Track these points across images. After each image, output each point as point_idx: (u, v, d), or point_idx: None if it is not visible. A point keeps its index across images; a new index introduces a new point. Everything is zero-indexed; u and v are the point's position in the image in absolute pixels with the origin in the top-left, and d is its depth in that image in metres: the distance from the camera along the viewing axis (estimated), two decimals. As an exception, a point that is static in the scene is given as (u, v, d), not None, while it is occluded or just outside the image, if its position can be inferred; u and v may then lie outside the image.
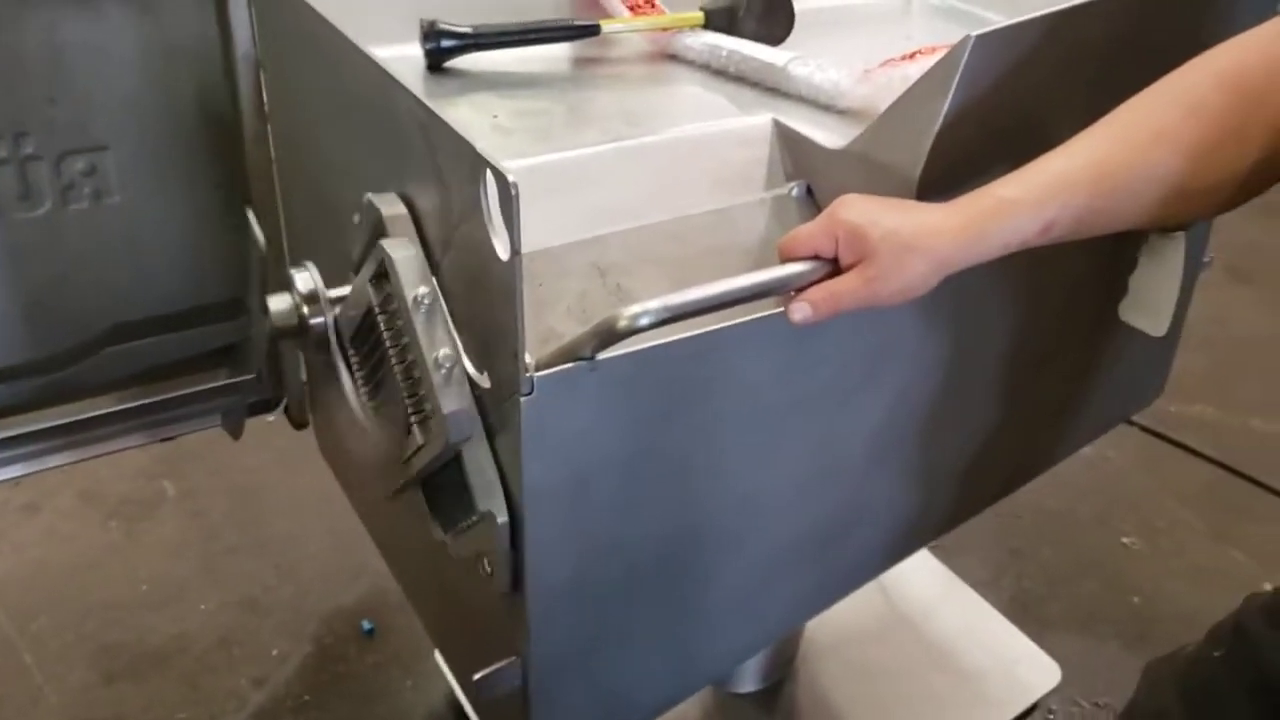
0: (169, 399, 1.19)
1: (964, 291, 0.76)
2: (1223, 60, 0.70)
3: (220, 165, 1.09)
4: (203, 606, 1.67)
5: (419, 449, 0.72)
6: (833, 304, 0.68)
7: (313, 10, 0.81)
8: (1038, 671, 1.48)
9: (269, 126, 1.07)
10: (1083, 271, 0.99)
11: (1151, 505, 1.98)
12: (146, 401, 1.18)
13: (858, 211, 0.68)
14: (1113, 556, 1.87)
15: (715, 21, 1.04)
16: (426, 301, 0.67)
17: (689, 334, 0.68)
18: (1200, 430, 2.15)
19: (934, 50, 0.93)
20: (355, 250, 0.78)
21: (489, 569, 0.72)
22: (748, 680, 1.41)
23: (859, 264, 0.67)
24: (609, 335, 0.63)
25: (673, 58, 1.04)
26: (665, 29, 1.04)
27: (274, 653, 1.60)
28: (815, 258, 0.69)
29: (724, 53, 0.99)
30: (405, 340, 0.71)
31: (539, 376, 0.63)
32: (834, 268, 0.69)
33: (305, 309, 0.82)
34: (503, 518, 0.68)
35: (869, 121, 0.78)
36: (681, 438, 0.74)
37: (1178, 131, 0.69)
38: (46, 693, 1.52)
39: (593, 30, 1.00)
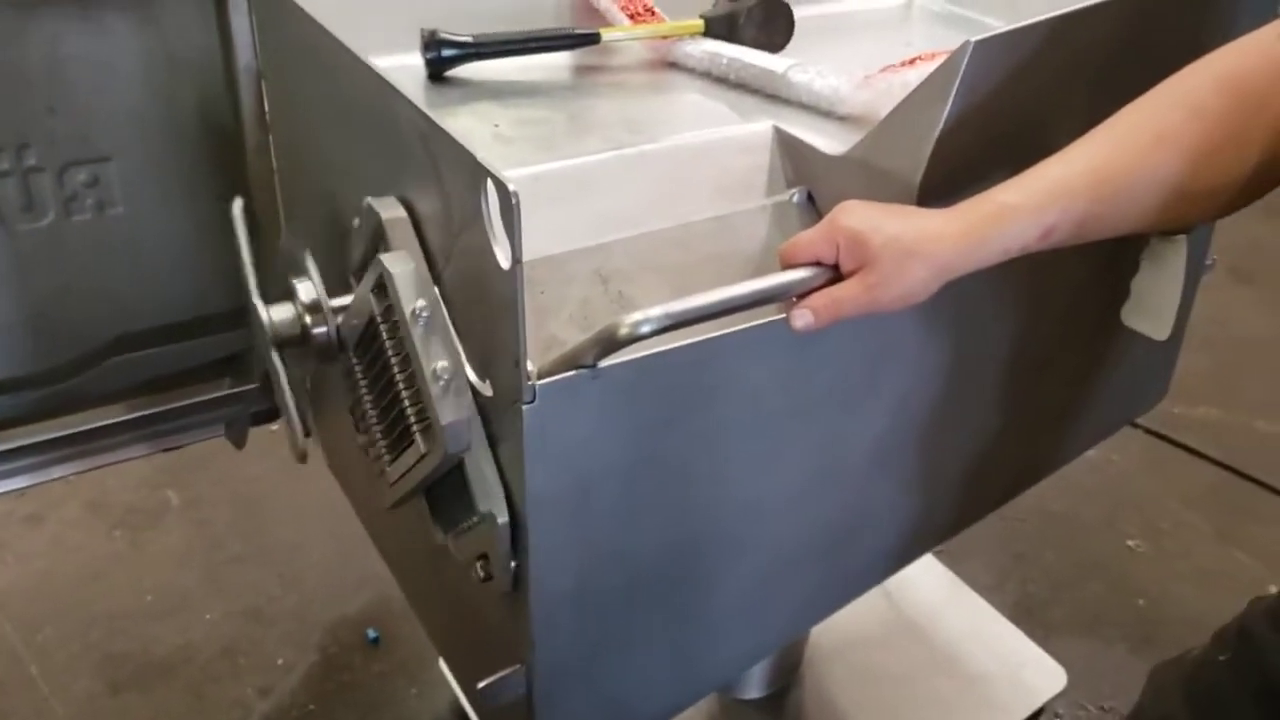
0: (172, 409, 1.19)
1: (965, 297, 0.76)
2: (1223, 63, 0.71)
3: (222, 175, 1.09)
4: (208, 616, 1.67)
5: (421, 458, 0.72)
6: (834, 311, 0.68)
7: (314, 21, 0.81)
8: (1043, 676, 1.47)
9: (271, 136, 1.07)
10: (1084, 276, 0.99)
11: (1156, 507, 1.98)
12: (150, 412, 1.18)
13: (858, 218, 0.68)
14: (1117, 559, 1.87)
15: (715, 29, 1.04)
16: (425, 315, 0.67)
17: (690, 341, 0.68)
18: (1204, 432, 2.15)
19: (934, 56, 0.93)
20: (355, 254, 0.78)
21: (490, 571, 0.72)
22: (753, 686, 1.41)
23: (860, 270, 0.67)
24: (611, 343, 0.63)
25: (673, 65, 1.04)
26: (665, 37, 1.04)
27: (279, 662, 1.60)
28: (816, 264, 0.69)
29: (724, 60, 1.00)
30: (406, 350, 0.71)
31: (541, 384, 0.63)
32: (835, 274, 0.69)
33: (308, 318, 0.82)
34: (503, 518, 0.68)
35: (869, 128, 0.78)
36: (684, 445, 0.74)
37: (1178, 135, 0.69)
38: (52, 704, 1.52)
39: (593, 39, 1.01)
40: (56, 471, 1.17)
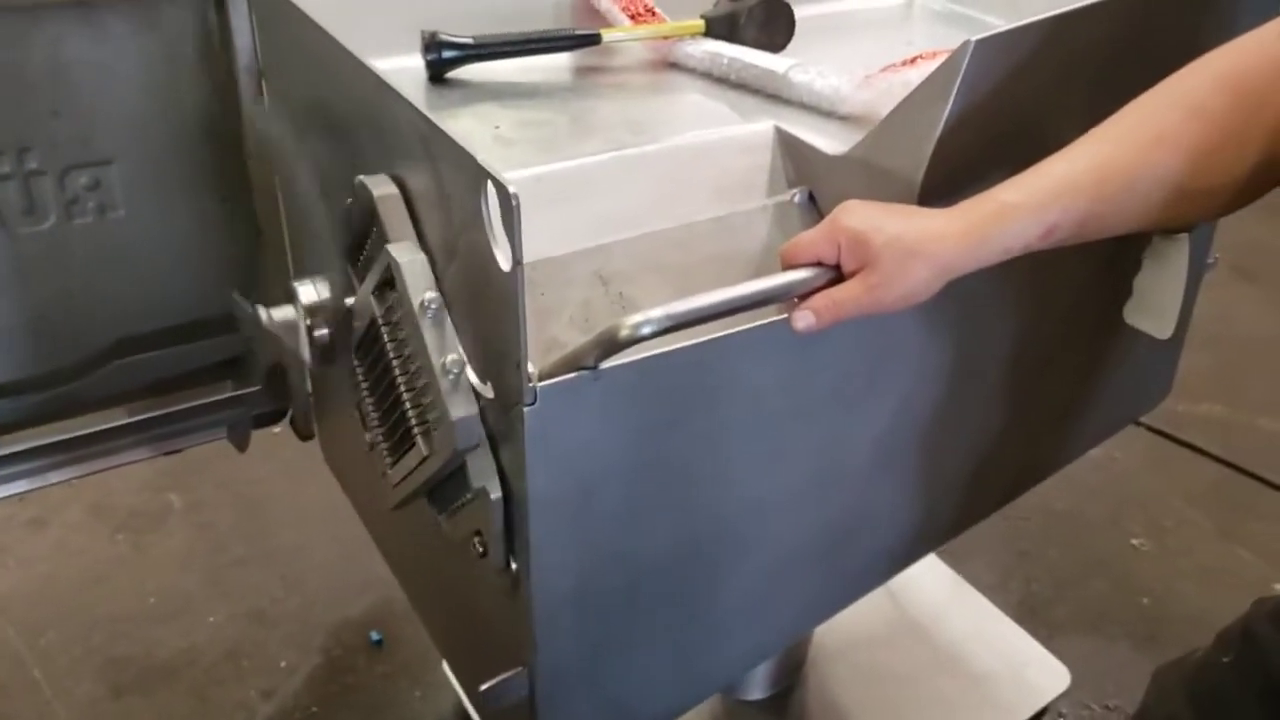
0: (174, 412, 1.19)
1: (967, 296, 0.76)
2: (1223, 62, 0.70)
3: (224, 178, 1.09)
4: (211, 619, 1.67)
5: (424, 460, 0.72)
6: (836, 311, 0.68)
7: (314, 23, 0.81)
8: (1047, 675, 1.47)
9: (271, 138, 1.07)
10: (1086, 275, 0.99)
11: (1159, 505, 1.98)
12: (152, 415, 1.18)
13: (860, 218, 0.68)
14: (1121, 557, 1.86)
15: (716, 29, 1.04)
16: (433, 307, 0.67)
17: (692, 342, 0.68)
18: (1208, 430, 2.15)
19: (934, 55, 0.93)
20: (348, 236, 0.77)
21: (482, 548, 0.71)
22: (756, 687, 1.41)
23: (861, 271, 0.67)
24: (612, 344, 0.63)
25: (674, 66, 1.04)
26: (666, 37, 1.04)
27: (282, 664, 1.60)
28: (818, 264, 0.69)
29: (725, 60, 1.00)
30: (409, 349, 0.71)
31: (542, 386, 0.63)
32: (836, 274, 0.69)
33: (308, 321, 0.82)
34: (496, 493, 0.68)
35: (870, 127, 0.78)
36: (686, 446, 0.74)
37: (1179, 134, 0.69)
38: (55, 707, 1.52)
39: (594, 39, 1.01)
40: (58, 475, 1.17)
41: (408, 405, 0.73)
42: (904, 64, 0.93)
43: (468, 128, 0.88)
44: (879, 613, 1.51)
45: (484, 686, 0.75)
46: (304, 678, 1.58)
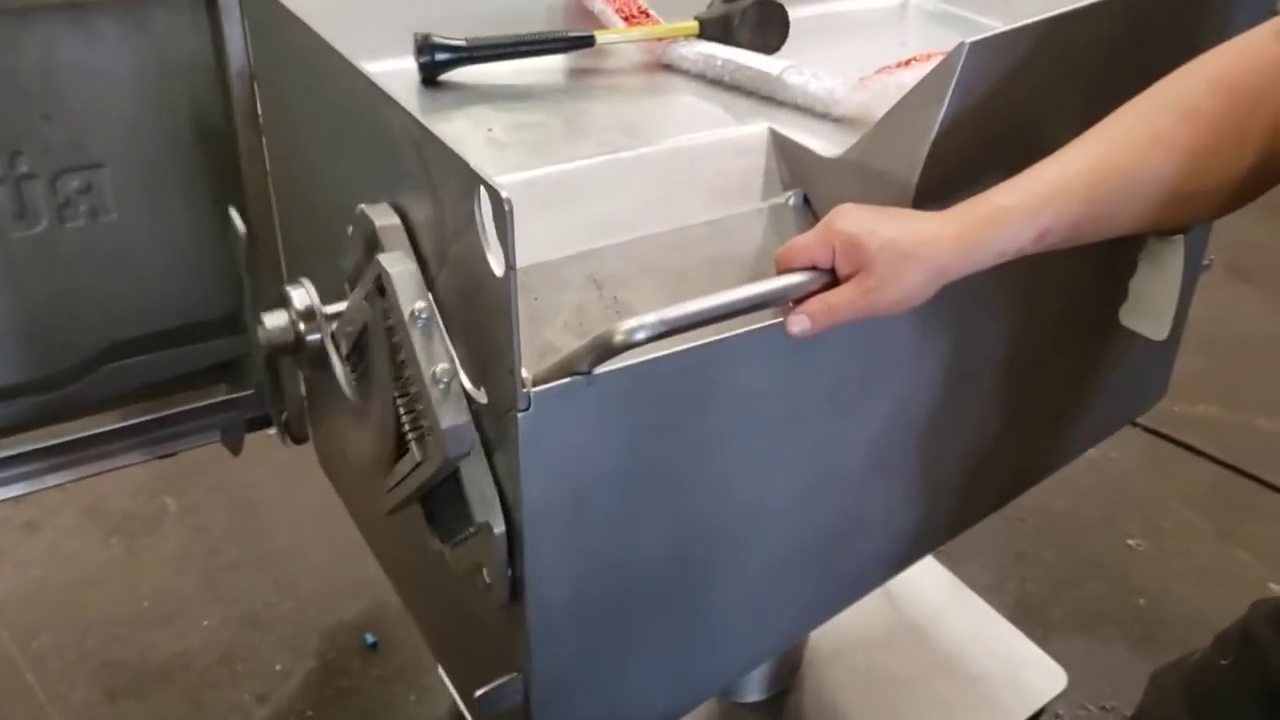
0: (168, 415, 1.18)
1: (963, 299, 0.76)
2: (1217, 64, 0.70)
3: (216, 181, 1.08)
4: (205, 622, 1.67)
5: (417, 465, 0.72)
6: (831, 316, 0.67)
7: (306, 26, 0.81)
8: (1044, 676, 1.47)
9: (264, 141, 1.06)
10: (1082, 277, 0.98)
11: (1156, 506, 1.98)
12: (146, 418, 1.17)
13: (854, 221, 0.68)
14: (1118, 558, 1.86)
15: (710, 31, 1.04)
16: (424, 316, 0.67)
17: (686, 347, 0.68)
18: (1204, 430, 2.15)
19: (929, 57, 0.93)
20: (349, 262, 0.78)
21: (487, 580, 0.71)
22: (752, 689, 1.40)
23: (857, 274, 0.67)
24: (606, 350, 0.62)
25: (668, 68, 1.04)
26: (660, 39, 1.04)
27: (277, 668, 1.60)
28: (812, 268, 0.69)
29: (719, 62, 0.99)
30: (402, 356, 0.71)
31: (536, 392, 0.63)
32: (831, 278, 0.69)
33: (302, 325, 0.81)
34: (500, 528, 0.68)
35: (865, 129, 0.78)
36: (681, 451, 0.74)
37: (1173, 136, 0.69)
38: (49, 711, 1.51)
39: (587, 41, 1.00)
40: (52, 479, 1.17)
41: (401, 410, 0.72)
42: (899, 66, 0.93)
43: (460, 130, 0.87)
44: (876, 614, 1.51)
45: (479, 692, 0.75)
46: (298, 681, 1.58)
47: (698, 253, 0.82)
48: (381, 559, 1.11)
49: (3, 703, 1.52)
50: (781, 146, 0.87)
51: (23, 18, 0.94)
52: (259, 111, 1.05)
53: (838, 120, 0.91)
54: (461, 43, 0.95)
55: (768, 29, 1.05)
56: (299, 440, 1.24)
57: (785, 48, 1.06)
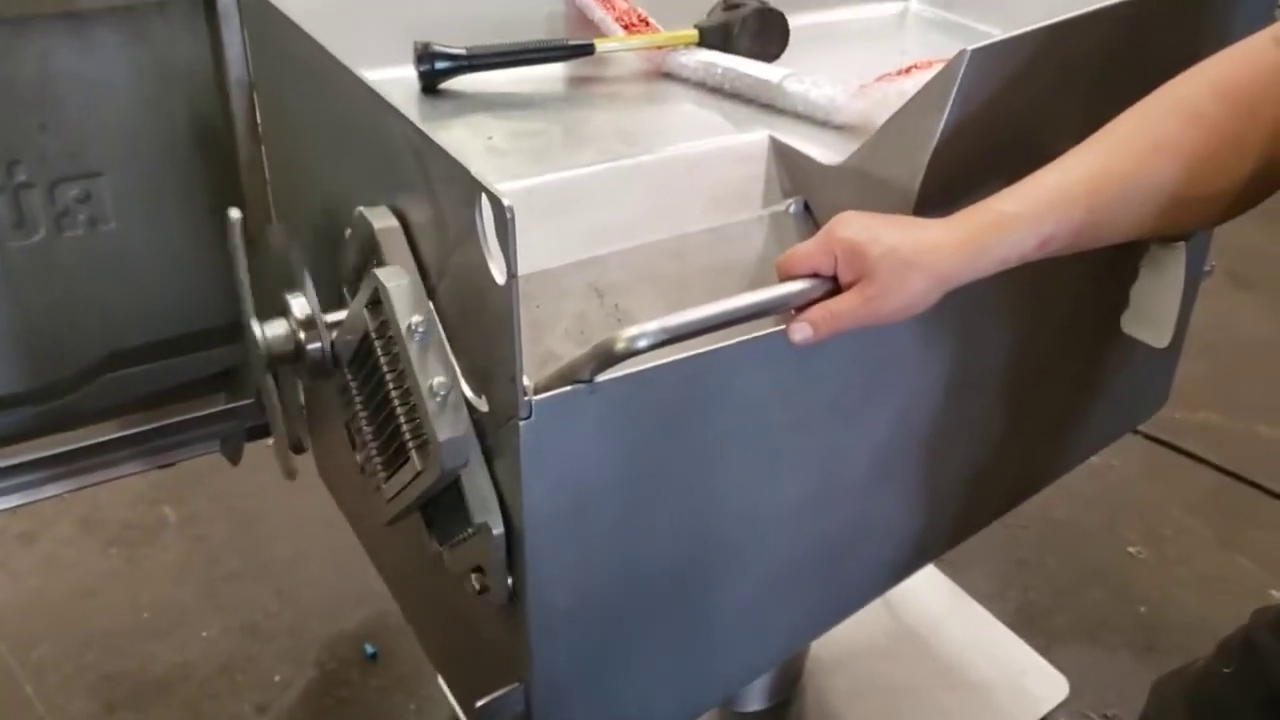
0: (167, 425, 1.18)
1: (965, 307, 0.75)
2: (1218, 70, 0.70)
3: (215, 190, 1.08)
4: (204, 633, 1.66)
5: (416, 475, 0.72)
6: (833, 323, 0.67)
7: (306, 34, 0.80)
8: (1046, 684, 1.46)
9: (263, 150, 1.06)
10: (1084, 284, 0.98)
11: (1157, 513, 1.97)
12: (145, 428, 1.17)
13: (856, 228, 0.68)
14: (1119, 566, 1.86)
15: (710, 39, 1.04)
16: (421, 330, 0.67)
17: (688, 355, 0.67)
18: (1205, 437, 2.14)
19: (930, 64, 0.92)
20: (348, 265, 0.77)
21: (485, 582, 0.71)
22: (754, 699, 1.40)
23: (858, 282, 0.67)
24: (607, 357, 0.62)
25: (668, 76, 1.04)
26: (660, 47, 1.04)
27: (276, 678, 1.59)
28: (814, 276, 0.69)
29: (719, 70, 0.99)
30: (402, 366, 0.70)
31: (537, 400, 0.62)
32: (833, 286, 0.68)
33: (302, 334, 0.81)
34: (498, 529, 0.68)
35: (865, 137, 0.78)
36: (682, 459, 0.73)
37: (1175, 142, 0.69)
38: (48, 723, 1.51)
39: (587, 50, 1.00)
40: (51, 489, 1.16)
41: (401, 420, 0.72)
42: (899, 73, 0.93)
43: (460, 139, 0.87)
44: (877, 624, 1.50)
45: (480, 703, 0.74)
46: (298, 692, 1.57)
47: (698, 260, 0.82)
48: (381, 569, 1.10)
49: (2, 715, 1.52)
50: (782, 154, 0.87)
51: (20, 27, 0.94)
52: (258, 120, 1.05)
53: (838, 128, 0.91)
54: (461, 51, 0.95)
55: (767, 37, 1.05)
56: (299, 450, 1.24)
57: (785, 56, 1.06)
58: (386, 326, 0.70)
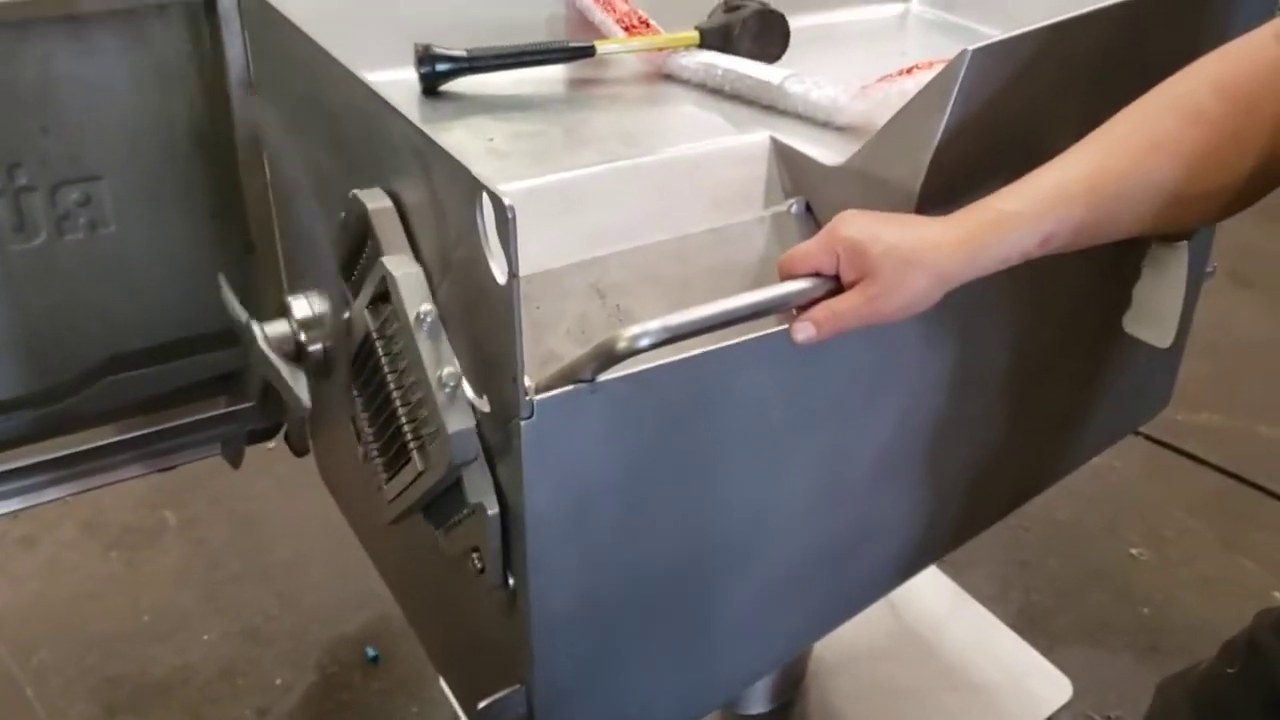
0: (168, 428, 1.18)
1: (966, 306, 0.75)
2: (1217, 67, 0.70)
3: (216, 193, 1.08)
4: (205, 637, 1.66)
5: (420, 474, 0.72)
6: (836, 323, 0.67)
7: (307, 36, 0.80)
8: (1048, 686, 1.46)
9: (264, 153, 1.06)
10: (1086, 284, 0.98)
11: (1159, 515, 1.97)
12: (146, 431, 1.17)
13: (857, 227, 0.68)
14: (1121, 567, 1.86)
15: (710, 40, 1.04)
16: (429, 319, 0.67)
17: (690, 354, 0.67)
18: (1206, 438, 2.14)
19: (930, 65, 0.92)
20: (341, 250, 0.77)
21: (480, 564, 0.70)
22: (756, 701, 1.40)
23: (861, 281, 0.67)
24: (609, 357, 0.62)
25: (668, 77, 1.04)
26: (660, 49, 1.04)
27: (278, 682, 1.59)
28: (816, 275, 0.69)
29: (720, 71, 0.99)
30: (405, 363, 0.70)
31: (539, 400, 0.62)
32: (835, 285, 0.68)
33: (303, 335, 0.81)
34: (493, 509, 0.67)
35: (867, 137, 0.78)
36: (684, 459, 0.73)
37: (1175, 139, 0.68)
38: (49, 727, 1.51)
39: (588, 51, 1.00)
40: (51, 493, 1.16)
41: (403, 419, 0.72)
42: (900, 74, 0.93)
43: (461, 140, 0.87)
44: (879, 625, 1.50)
45: (482, 704, 0.74)
46: (300, 695, 1.57)
47: (700, 261, 0.81)
48: (383, 571, 1.10)
49: (3, 718, 1.52)
50: (783, 155, 0.87)
51: (20, 30, 0.94)
52: (259, 122, 1.05)
53: (839, 129, 0.91)
54: (462, 53, 0.95)
55: (768, 38, 1.05)
56: (300, 453, 1.24)
57: (786, 57, 1.06)
58: (389, 323, 0.70)
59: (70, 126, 0.99)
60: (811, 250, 0.69)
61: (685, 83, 1.02)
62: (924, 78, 0.81)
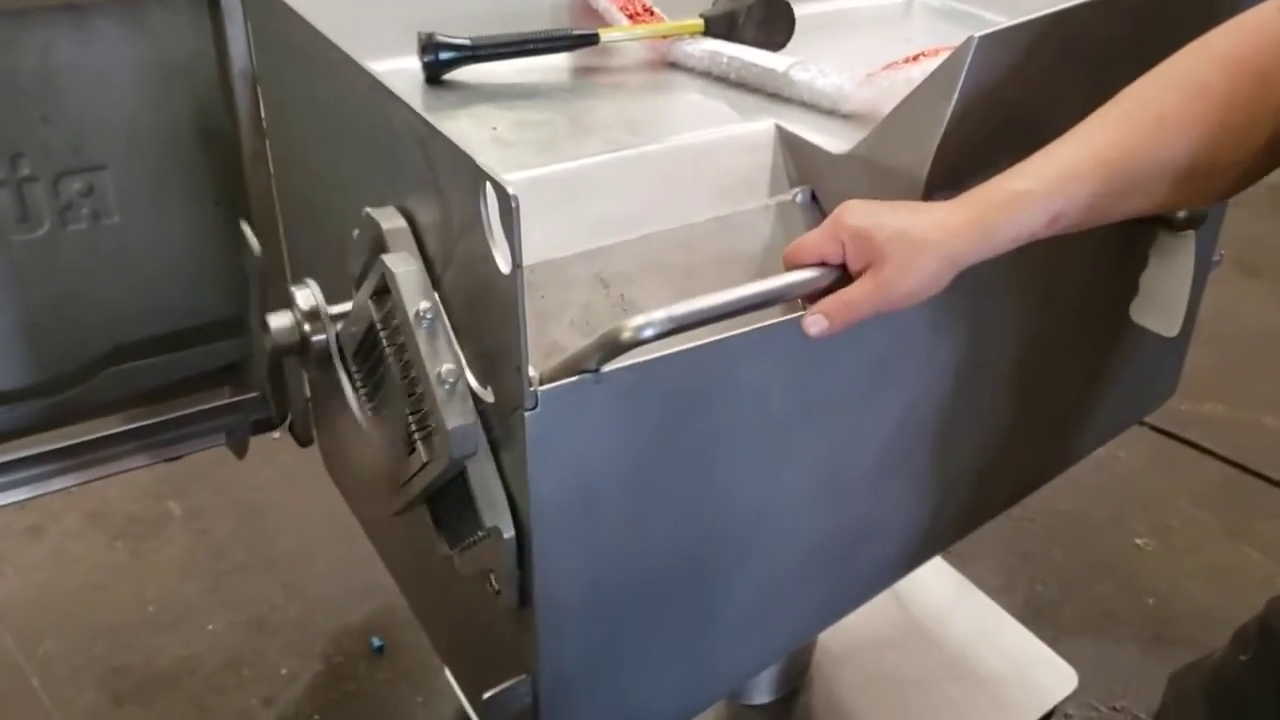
0: (172, 419, 1.18)
1: (973, 295, 0.75)
2: (1224, 42, 0.69)
3: (219, 182, 1.08)
4: (210, 627, 1.66)
5: (423, 466, 0.71)
6: (848, 313, 0.66)
7: (309, 25, 0.80)
8: (1054, 676, 1.46)
9: (267, 142, 1.06)
10: (1093, 273, 0.98)
11: (1164, 505, 1.97)
12: (150, 422, 1.17)
13: (862, 215, 0.67)
14: (1126, 558, 1.85)
15: (715, 28, 1.03)
16: (429, 317, 0.66)
17: (695, 344, 0.67)
18: (1211, 428, 2.13)
19: (936, 52, 0.92)
20: (355, 265, 0.77)
21: (496, 586, 0.71)
22: (761, 691, 1.40)
23: (869, 268, 0.66)
24: (613, 347, 0.62)
25: (673, 65, 1.04)
26: (665, 36, 1.03)
27: (283, 672, 1.59)
28: (822, 265, 0.68)
29: (724, 59, 0.99)
30: (408, 356, 0.70)
31: (543, 390, 0.62)
32: (841, 273, 0.68)
33: (307, 326, 0.81)
34: (509, 533, 0.67)
35: (872, 125, 0.77)
36: (689, 449, 0.73)
37: (1182, 115, 0.68)
38: (55, 717, 1.51)
39: (592, 39, 1.00)
40: (56, 483, 1.16)
41: (407, 410, 0.72)
42: (906, 61, 0.92)
43: (465, 129, 0.87)
44: (884, 616, 1.50)
45: (487, 695, 0.74)
46: (305, 685, 1.57)
47: (705, 250, 0.81)
48: (388, 562, 1.10)
49: (8, 709, 1.52)
50: (788, 143, 0.86)
51: (20, 19, 0.93)
52: (262, 112, 1.04)
53: (845, 116, 0.91)
54: (465, 41, 0.94)
55: (773, 26, 1.04)
56: (304, 443, 1.24)
57: (791, 44, 1.05)
58: (392, 316, 0.70)
59: (72, 116, 0.99)
60: (816, 240, 0.68)
61: (690, 71, 1.02)
62: (930, 65, 0.81)
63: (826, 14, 1.20)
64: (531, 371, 0.61)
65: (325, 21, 0.79)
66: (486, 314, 0.63)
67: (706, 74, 1.00)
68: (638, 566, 0.75)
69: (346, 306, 0.80)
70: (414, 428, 0.71)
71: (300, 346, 0.82)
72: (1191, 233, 0.89)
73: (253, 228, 1.09)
